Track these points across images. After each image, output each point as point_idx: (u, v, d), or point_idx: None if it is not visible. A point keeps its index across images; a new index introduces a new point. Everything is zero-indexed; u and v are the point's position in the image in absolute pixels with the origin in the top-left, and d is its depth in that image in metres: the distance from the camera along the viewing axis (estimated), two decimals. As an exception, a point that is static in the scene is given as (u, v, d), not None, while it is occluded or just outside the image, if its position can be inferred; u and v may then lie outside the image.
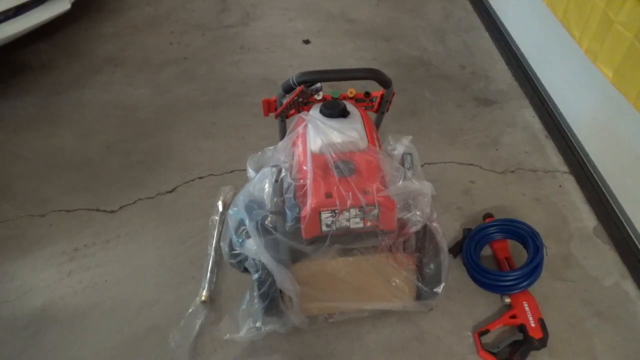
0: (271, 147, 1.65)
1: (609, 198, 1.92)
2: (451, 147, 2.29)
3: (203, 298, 1.70)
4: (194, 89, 2.64)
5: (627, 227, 1.82)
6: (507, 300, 1.67)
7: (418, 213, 1.41)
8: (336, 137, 1.41)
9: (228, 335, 1.59)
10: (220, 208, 1.98)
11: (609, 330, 1.64)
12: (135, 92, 2.62)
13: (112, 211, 2.03)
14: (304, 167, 1.39)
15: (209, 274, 1.77)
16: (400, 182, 1.38)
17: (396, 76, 2.57)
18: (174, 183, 2.13)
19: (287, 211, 1.37)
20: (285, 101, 1.59)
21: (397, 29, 3.07)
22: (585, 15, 1.85)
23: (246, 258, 1.46)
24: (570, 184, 2.12)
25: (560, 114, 2.27)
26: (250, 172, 1.68)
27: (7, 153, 2.29)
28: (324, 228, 1.36)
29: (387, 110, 1.76)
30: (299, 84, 1.49)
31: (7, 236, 1.95)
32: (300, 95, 1.56)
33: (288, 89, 1.53)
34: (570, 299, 1.72)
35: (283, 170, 1.43)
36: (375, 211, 1.34)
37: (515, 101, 2.54)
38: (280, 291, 1.47)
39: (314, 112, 1.55)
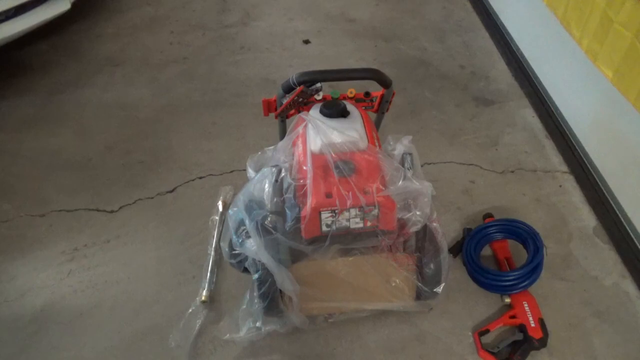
0: (271, 147, 1.65)
1: (609, 198, 1.92)
2: (451, 147, 2.29)
3: (203, 298, 1.69)
4: (194, 89, 2.64)
5: (627, 227, 1.82)
6: (507, 300, 1.67)
7: (418, 213, 1.41)
8: (336, 137, 1.41)
9: (228, 335, 1.59)
10: (220, 208, 1.98)
11: (609, 330, 1.64)
12: (135, 92, 2.62)
13: (112, 211, 2.03)
14: (304, 167, 1.39)
15: (209, 274, 1.77)
16: (400, 182, 1.38)
17: (396, 76, 2.57)
18: (174, 183, 2.13)
19: (287, 211, 1.37)
20: (285, 101, 1.59)
21: (397, 29, 3.07)
22: (585, 15, 1.86)
23: (246, 258, 1.46)
24: (570, 184, 2.12)
25: (560, 114, 2.27)
26: (250, 172, 1.68)
27: (7, 153, 2.29)
28: (324, 228, 1.36)
29: (387, 110, 1.76)
30: (299, 84, 1.50)
31: (7, 236, 1.95)
32: (300, 95, 1.56)
33: (288, 89, 1.53)
34: (570, 299, 1.72)
35: (283, 170, 1.43)
36: (375, 211, 1.34)
37: (515, 101, 2.54)
38: (280, 291, 1.47)
39: (314, 112, 1.55)
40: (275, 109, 1.66)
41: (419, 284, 1.52)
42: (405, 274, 1.52)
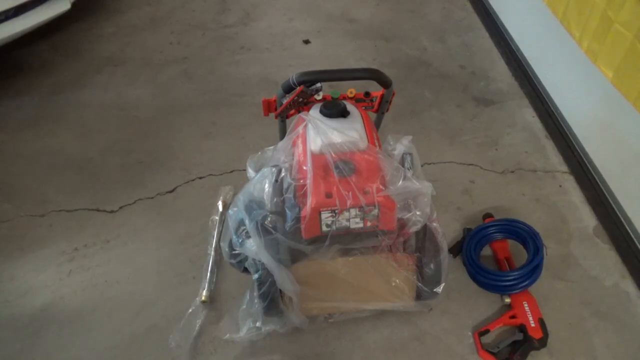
0: (271, 147, 1.65)
1: (609, 198, 1.92)
2: (451, 147, 2.28)
3: (203, 298, 1.70)
4: (194, 89, 2.64)
5: (627, 227, 1.82)
6: (507, 300, 1.67)
7: (418, 213, 1.41)
8: (336, 137, 1.41)
9: (228, 335, 1.59)
10: (220, 208, 1.98)
11: (609, 330, 1.64)
12: (135, 92, 2.63)
13: (112, 211, 2.03)
14: (304, 167, 1.39)
15: (209, 274, 1.77)
16: (400, 182, 1.37)
17: (396, 76, 2.57)
18: (174, 183, 2.13)
19: (287, 211, 1.37)
20: (285, 101, 1.59)
21: (397, 29, 3.07)
22: (585, 15, 1.85)
23: (246, 258, 1.46)
24: (570, 184, 2.12)
25: (560, 114, 2.27)
26: (250, 172, 1.68)
27: (7, 153, 2.29)
28: (324, 228, 1.36)
29: (387, 110, 1.76)
30: (299, 84, 1.50)
31: (7, 236, 1.95)
32: (300, 95, 1.56)
33: (288, 89, 1.53)
34: (570, 299, 1.72)
35: (283, 170, 1.43)
36: (375, 211, 1.34)
37: (515, 101, 2.54)
38: (280, 291, 1.47)
39: (314, 112, 1.55)
40: (275, 109, 1.66)
41: (419, 284, 1.52)
42: (405, 274, 1.52)
